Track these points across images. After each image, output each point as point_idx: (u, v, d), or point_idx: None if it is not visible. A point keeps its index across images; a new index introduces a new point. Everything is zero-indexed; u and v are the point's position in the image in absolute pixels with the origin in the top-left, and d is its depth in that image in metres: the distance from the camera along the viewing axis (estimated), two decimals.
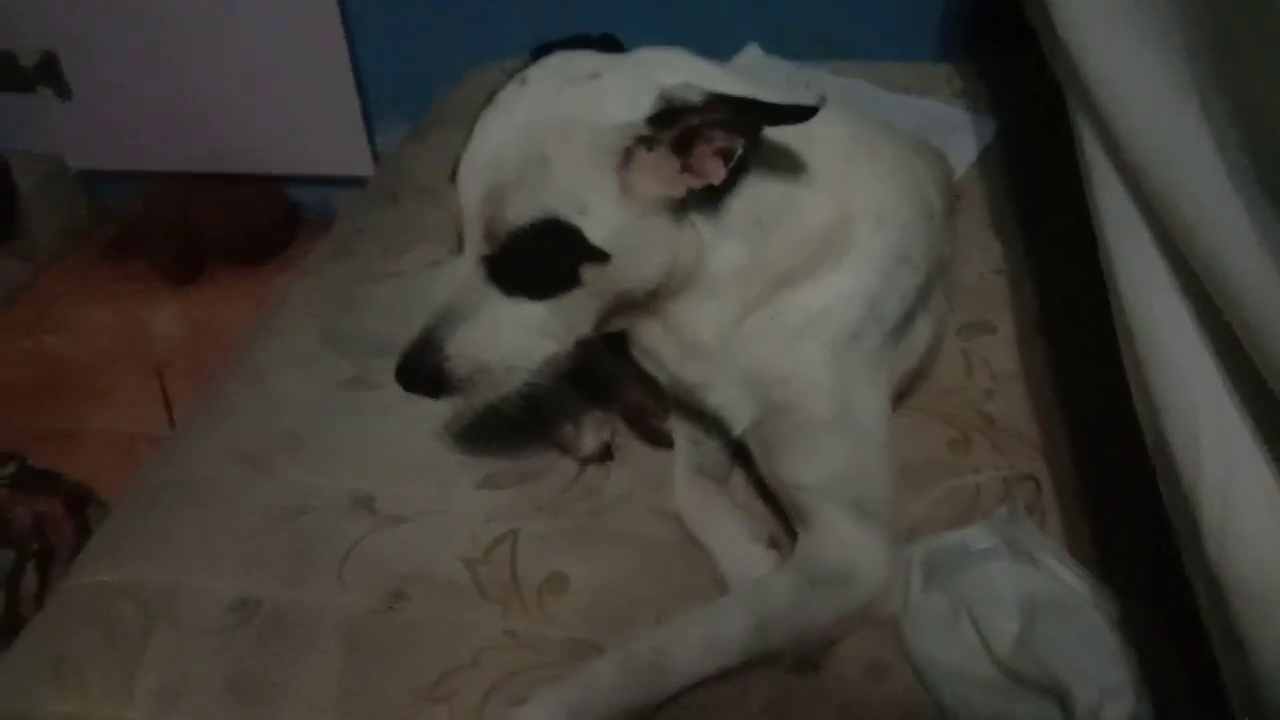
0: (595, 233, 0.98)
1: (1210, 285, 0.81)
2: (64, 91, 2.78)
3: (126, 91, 2.74)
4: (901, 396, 1.25)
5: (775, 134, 1.03)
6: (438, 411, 1.29)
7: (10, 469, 2.06)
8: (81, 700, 1.01)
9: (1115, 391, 1.22)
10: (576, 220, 0.97)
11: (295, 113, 2.70)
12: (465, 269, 1.03)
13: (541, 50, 1.13)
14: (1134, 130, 0.98)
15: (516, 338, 1.03)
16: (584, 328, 1.05)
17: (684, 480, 1.17)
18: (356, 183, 2.41)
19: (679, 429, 1.22)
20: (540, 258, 1.00)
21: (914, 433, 1.24)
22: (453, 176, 1.04)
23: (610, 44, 1.41)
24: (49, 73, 2.75)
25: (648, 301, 1.07)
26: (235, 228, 2.73)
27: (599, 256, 0.99)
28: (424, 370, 1.02)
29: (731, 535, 1.12)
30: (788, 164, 1.06)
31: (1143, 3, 0.98)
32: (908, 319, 1.15)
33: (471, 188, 1.01)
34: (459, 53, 2.19)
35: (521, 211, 0.98)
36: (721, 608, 1.04)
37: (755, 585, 1.06)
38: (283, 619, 1.07)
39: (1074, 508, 1.14)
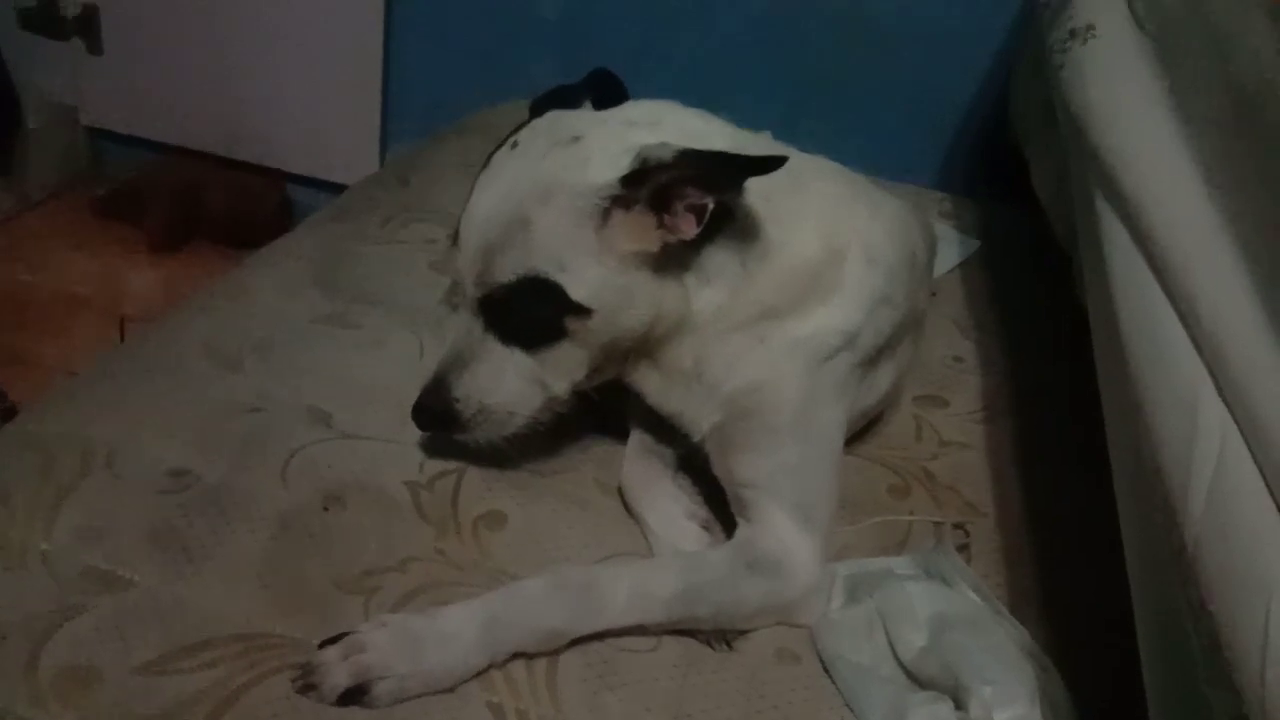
0: (576, 289, 1.04)
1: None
2: (96, 47, 2.82)
3: (156, 59, 2.79)
4: (852, 442, 1.29)
5: (763, 185, 1.06)
6: (408, 358, 1.32)
7: None
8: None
9: (1053, 471, 1.29)
10: (558, 278, 1.03)
11: (316, 116, 2.76)
12: (466, 320, 1.11)
13: (539, 102, 1.21)
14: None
15: (514, 384, 1.10)
16: (577, 375, 1.11)
17: (632, 455, 1.20)
18: None
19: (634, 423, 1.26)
20: (527, 312, 1.07)
21: (859, 473, 1.28)
22: (454, 239, 1.12)
23: (605, 79, 1.41)
24: (86, 25, 2.79)
25: (636, 348, 1.12)
26: (232, 211, 2.76)
27: (581, 311, 1.05)
28: (436, 409, 1.10)
29: (667, 511, 1.14)
30: (774, 211, 1.10)
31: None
32: (878, 353, 1.20)
33: (467, 246, 1.08)
34: (488, 94, 2.27)
35: (507, 270, 1.05)
36: (655, 564, 1.07)
37: (692, 555, 1.09)
38: (219, 494, 1.07)
39: (999, 558, 1.18)
